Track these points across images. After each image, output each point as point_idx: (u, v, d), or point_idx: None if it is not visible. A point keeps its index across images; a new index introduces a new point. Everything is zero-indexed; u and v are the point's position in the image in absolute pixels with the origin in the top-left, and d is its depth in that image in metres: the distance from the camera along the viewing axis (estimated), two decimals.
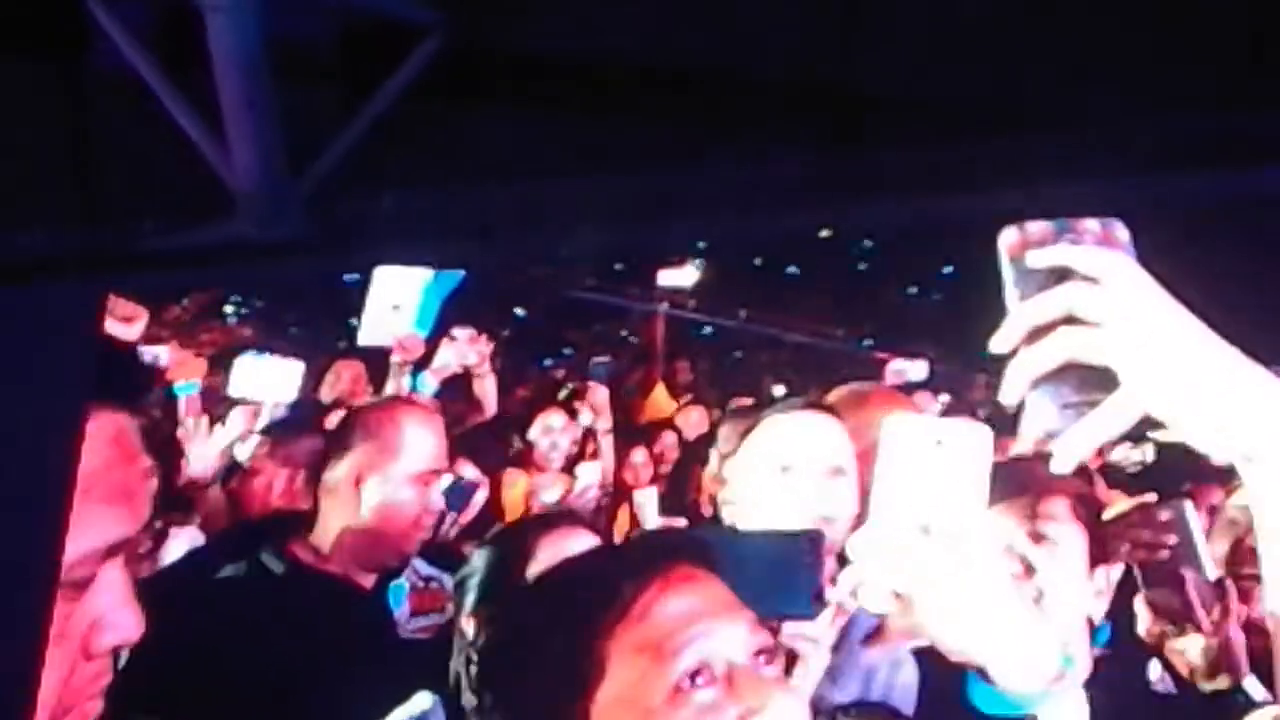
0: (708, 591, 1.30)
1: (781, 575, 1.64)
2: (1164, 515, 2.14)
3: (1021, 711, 1.25)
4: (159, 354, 5.55)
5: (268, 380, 5.11)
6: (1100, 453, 6.30)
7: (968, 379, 12.31)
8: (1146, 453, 6.18)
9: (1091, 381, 1.00)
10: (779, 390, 11.73)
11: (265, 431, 4.40)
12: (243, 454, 4.16)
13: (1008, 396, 1.03)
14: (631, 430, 6.17)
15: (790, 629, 1.67)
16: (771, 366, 14.58)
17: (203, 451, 4.45)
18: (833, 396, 2.62)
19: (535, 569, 1.94)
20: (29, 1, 1.32)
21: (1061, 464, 0.98)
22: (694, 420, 7.67)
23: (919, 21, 1.33)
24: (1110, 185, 1.23)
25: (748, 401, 8.05)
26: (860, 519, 2.12)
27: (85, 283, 1.30)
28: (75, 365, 1.39)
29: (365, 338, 5.98)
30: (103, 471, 1.08)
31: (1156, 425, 1.10)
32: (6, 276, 1.27)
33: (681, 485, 4.98)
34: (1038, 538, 1.71)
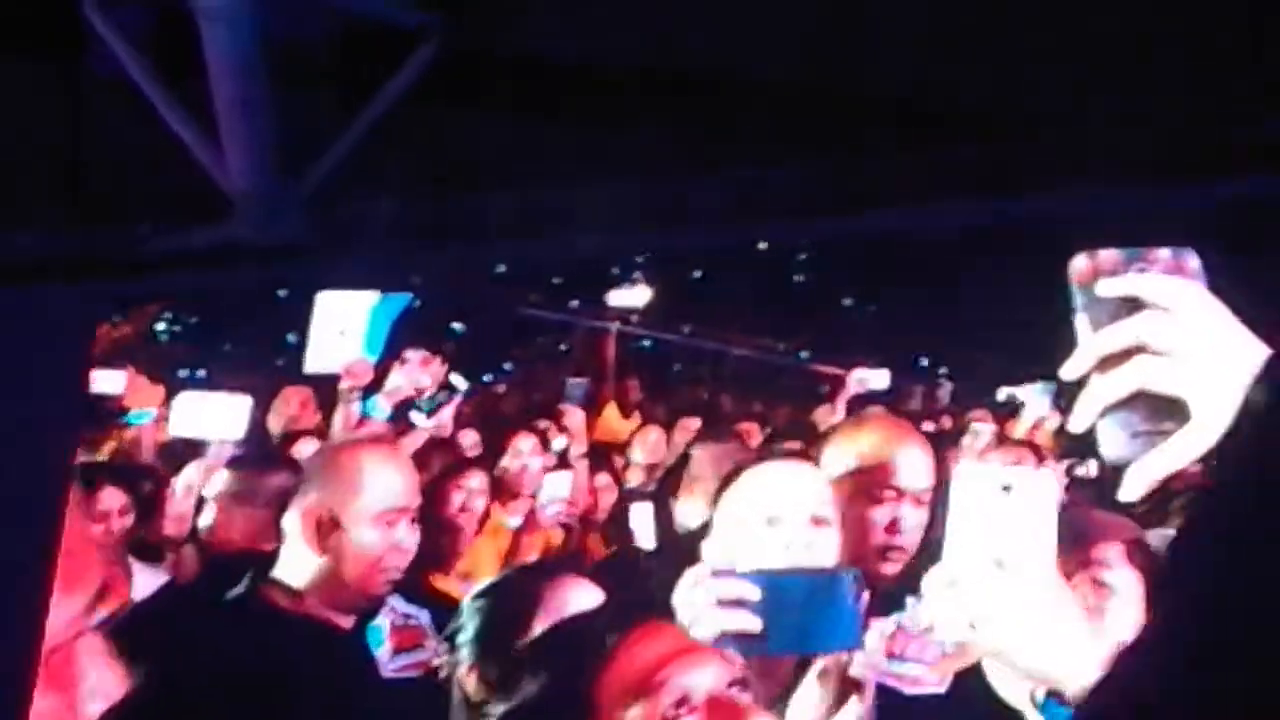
0: (676, 637, 1.46)
1: (827, 610, 1.70)
2: (1153, 543, 2.16)
3: None
4: (115, 380, 5.49)
5: (213, 417, 5.06)
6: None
7: (906, 389, 12.39)
8: (1090, 468, 6.18)
9: (1162, 411, 1.02)
10: (726, 403, 11.61)
11: (230, 466, 4.38)
12: (209, 492, 4.14)
13: (1077, 424, 1.04)
14: (593, 452, 6.17)
15: (859, 658, 1.74)
16: (713, 379, 14.65)
17: (182, 512, 4.44)
18: (842, 424, 2.68)
19: (534, 623, 1.98)
20: (25, 4, 1.32)
21: (1131, 492, 0.99)
22: (652, 440, 7.67)
23: (918, 25, 1.33)
24: (1109, 194, 1.23)
25: (696, 422, 8.11)
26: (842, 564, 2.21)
27: (81, 285, 1.29)
28: (72, 366, 1.38)
29: (312, 365, 5.95)
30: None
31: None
32: (3, 279, 1.27)
33: (663, 506, 4.93)
34: (1097, 585, 1.72)
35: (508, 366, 15.55)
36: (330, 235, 1.34)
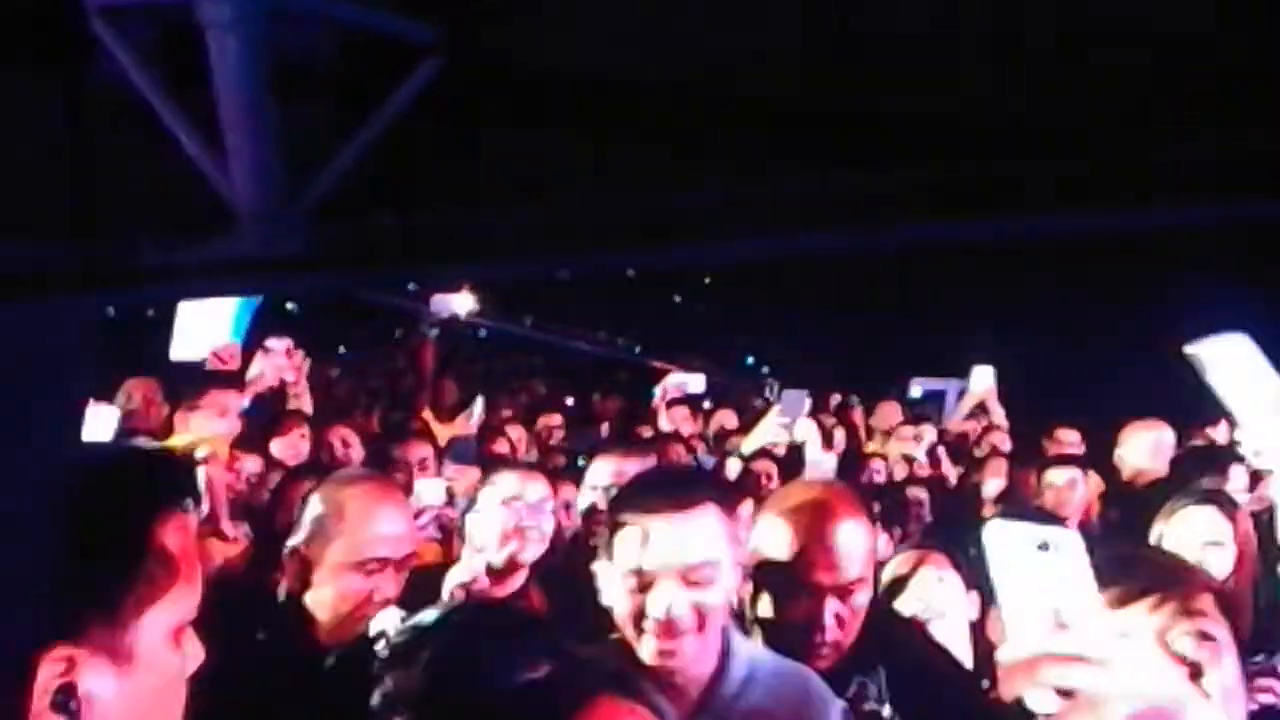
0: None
1: None
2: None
3: None
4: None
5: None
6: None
7: (735, 386, 12.49)
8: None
9: None
10: (569, 401, 11.51)
11: None
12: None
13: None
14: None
15: None
16: (546, 371, 14.64)
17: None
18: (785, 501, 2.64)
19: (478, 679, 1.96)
20: (31, 16, 1.32)
21: None
22: (515, 439, 7.59)
23: (918, 40, 1.34)
24: (1111, 212, 1.25)
25: (557, 419, 8.02)
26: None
27: (84, 298, 1.29)
28: (74, 378, 1.38)
29: (179, 352, 5.90)
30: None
31: None
32: (5, 291, 1.26)
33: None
34: (1203, 637, 1.64)
35: (342, 350, 15.32)
36: (333, 249, 1.34)
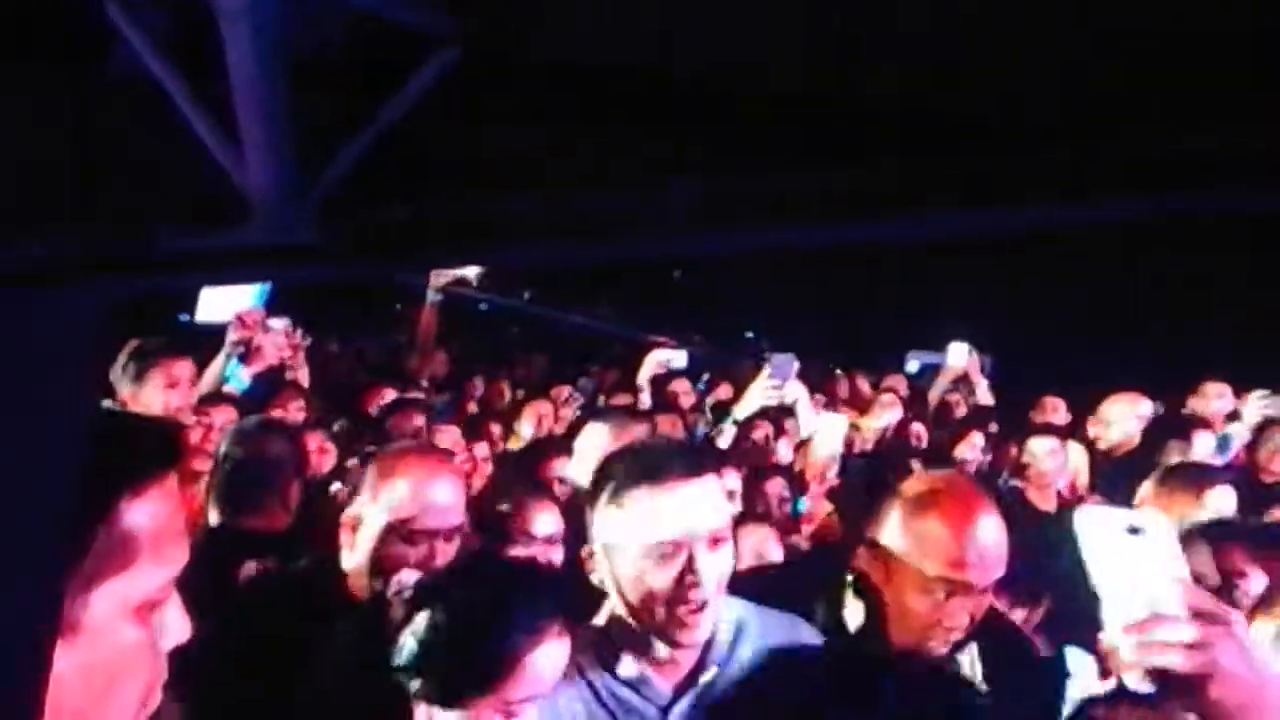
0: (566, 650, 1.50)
1: None
2: None
3: None
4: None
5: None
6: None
7: (735, 359, 12.50)
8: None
9: None
10: (584, 384, 11.60)
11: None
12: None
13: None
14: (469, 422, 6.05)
15: None
16: (547, 344, 14.61)
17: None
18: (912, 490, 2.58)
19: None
20: (48, 6, 1.33)
21: None
22: (542, 413, 7.59)
23: (919, 33, 1.36)
24: (1108, 203, 1.26)
25: (566, 391, 7.99)
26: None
27: (97, 287, 1.31)
28: (86, 368, 1.40)
29: (204, 313, 5.87)
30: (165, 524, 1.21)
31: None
32: (18, 280, 1.28)
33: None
34: None
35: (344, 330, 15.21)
36: (346, 238, 1.36)
